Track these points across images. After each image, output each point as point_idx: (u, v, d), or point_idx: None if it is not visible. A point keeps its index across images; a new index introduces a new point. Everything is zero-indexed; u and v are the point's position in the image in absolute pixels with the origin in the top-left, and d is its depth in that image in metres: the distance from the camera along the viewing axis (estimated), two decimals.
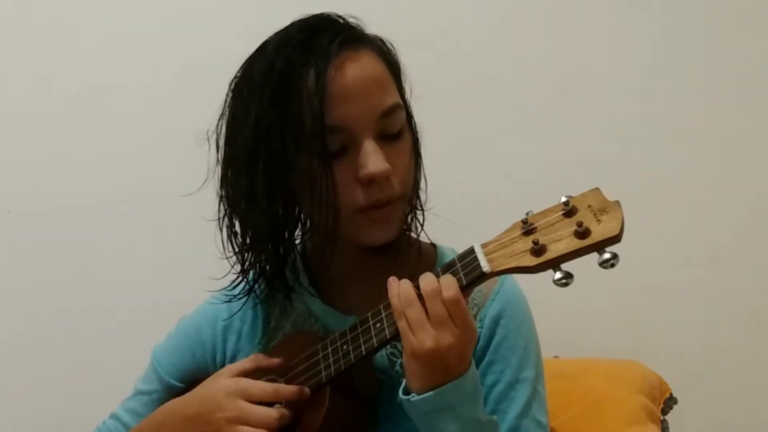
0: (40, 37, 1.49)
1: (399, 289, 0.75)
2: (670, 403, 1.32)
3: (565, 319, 1.40)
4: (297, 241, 0.93)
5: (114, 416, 0.99)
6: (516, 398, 0.86)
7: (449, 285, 0.73)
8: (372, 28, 0.87)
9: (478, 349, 0.88)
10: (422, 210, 0.92)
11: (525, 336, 0.90)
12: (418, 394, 0.74)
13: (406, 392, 0.76)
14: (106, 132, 1.50)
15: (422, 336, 0.72)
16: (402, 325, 0.73)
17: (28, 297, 1.48)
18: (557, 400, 1.01)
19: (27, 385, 1.47)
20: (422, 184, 0.91)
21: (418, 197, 0.91)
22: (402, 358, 0.87)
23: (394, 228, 0.85)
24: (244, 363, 0.85)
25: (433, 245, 0.97)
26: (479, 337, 0.88)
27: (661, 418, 1.30)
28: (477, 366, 0.86)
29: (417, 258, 0.92)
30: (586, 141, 1.53)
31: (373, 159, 0.79)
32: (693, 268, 1.51)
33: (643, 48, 1.54)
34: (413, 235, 0.93)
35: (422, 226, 0.93)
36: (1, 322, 1.47)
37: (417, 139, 0.89)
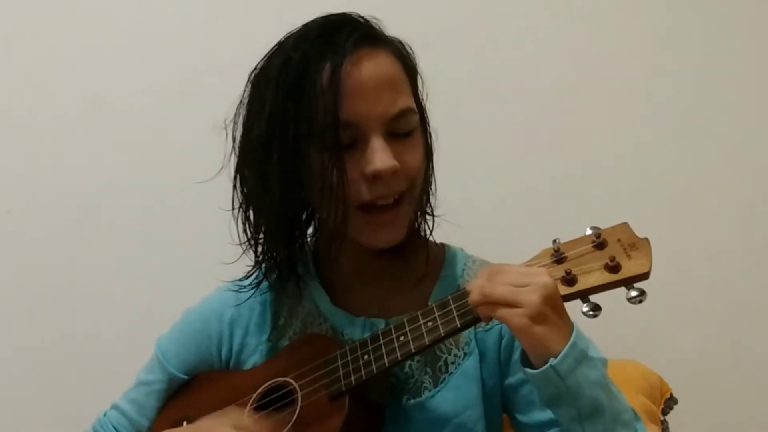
0: (42, 35, 1.49)
1: (476, 293, 0.73)
2: (670, 403, 1.32)
3: None
4: (311, 237, 0.93)
5: (115, 406, 0.99)
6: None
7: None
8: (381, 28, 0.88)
9: (503, 348, 0.89)
10: (432, 214, 0.92)
11: None
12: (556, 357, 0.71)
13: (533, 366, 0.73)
14: (107, 130, 1.50)
15: (523, 297, 0.70)
16: (502, 312, 0.71)
17: (27, 297, 1.48)
18: None
19: (28, 384, 1.47)
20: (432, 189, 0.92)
21: (428, 200, 0.91)
22: (416, 358, 0.86)
23: (399, 231, 0.85)
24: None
25: (443, 245, 0.97)
26: (503, 334, 0.89)
27: (662, 418, 1.30)
28: (511, 361, 0.88)
29: (426, 259, 0.92)
30: (587, 141, 1.53)
31: (380, 156, 0.79)
32: (693, 268, 1.51)
33: (644, 48, 1.54)
34: (423, 236, 0.94)
35: (431, 230, 0.93)
36: (2, 321, 1.47)
37: (429, 141, 0.90)
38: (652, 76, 1.53)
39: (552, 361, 0.70)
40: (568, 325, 0.72)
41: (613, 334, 1.47)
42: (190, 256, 1.45)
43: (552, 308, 0.70)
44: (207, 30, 1.50)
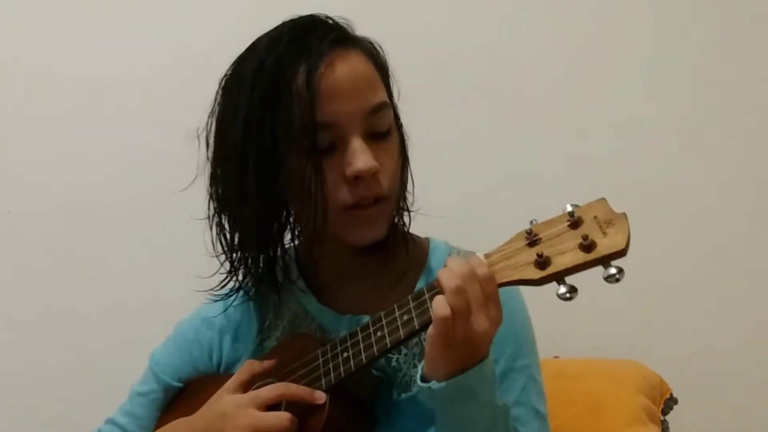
0: (38, 38, 1.50)
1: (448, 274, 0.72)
2: (670, 403, 1.32)
3: (565, 319, 1.40)
4: (290, 243, 0.93)
5: (110, 421, 0.99)
6: (511, 388, 0.86)
7: (480, 263, 0.71)
8: (372, 28, 0.88)
9: None
10: (408, 210, 0.92)
11: (518, 324, 0.89)
12: (439, 381, 0.73)
13: (424, 379, 0.75)
14: (104, 131, 1.50)
15: (474, 317, 0.70)
16: (439, 303, 0.70)
17: (27, 297, 1.48)
18: (557, 400, 1.01)
19: (26, 384, 1.47)
20: (410, 186, 0.92)
21: (405, 198, 0.91)
22: (402, 351, 0.86)
23: (380, 228, 0.85)
24: (240, 375, 0.84)
25: (427, 239, 0.97)
26: None
27: (662, 418, 1.30)
28: None
29: (409, 254, 0.92)
30: (586, 141, 1.53)
31: (361, 157, 0.79)
32: (693, 268, 1.51)
33: (643, 48, 1.54)
34: (403, 230, 0.94)
35: (408, 227, 0.93)
36: (1, 321, 1.47)
37: (404, 140, 0.90)
38: (653, 75, 1.53)
39: (433, 384, 0.72)
40: (473, 359, 0.72)
41: (613, 334, 1.48)
42: (184, 260, 1.45)
43: (453, 350, 0.70)
44: (185, 36, 1.51)
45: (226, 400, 0.82)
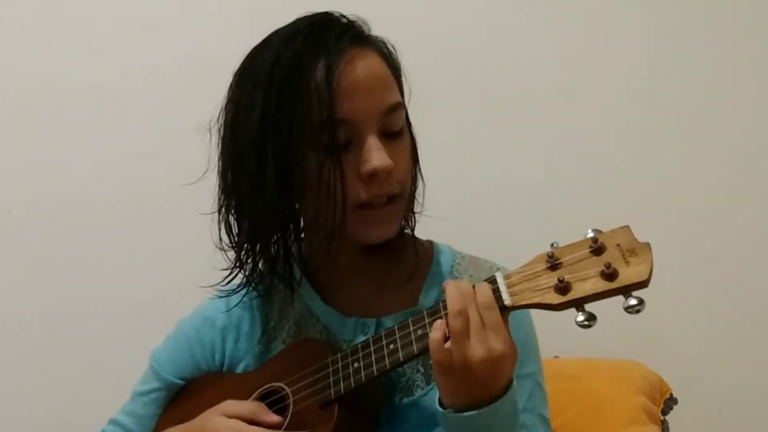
0: (39, 36, 1.50)
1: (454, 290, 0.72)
2: (670, 403, 1.32)
3: (565, 319, 1.39)
4: (292, 242, 0.93)
5: (113, 421, 0.99)
6: (517, 394, 0.85)
7: (484, 292, 0.71)
8: (372, 27, 0.88)
9: None
10: (413, 213, 0.93)
11: (524, 331, 0.89)
12: (456, 411, 0.72)
13: (442, 404, 0.75)
14: (105, 130, 1.50)
15: (470, 341, 0.69)
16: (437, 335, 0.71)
17: (27, 297, 1.48)
18: (557, 400, 1.01)
19: (26, 384, 1.47)
20: (419, 186, 0.92)
21: (415, 198, 0.92)
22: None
23: (392, 227, 0.85)
24: (240, 409, 0.82)
25: (430, 242, 0.97)
26: None
27: (662, 418, 1.30)
28: None
29: (414, 256, 0.93)
30: (586, 141, 1.53)
31: (377, 154, 0.79)
32: (693, 268, 1.51)
33: (643, 48, 1.54)
34: (409, 233, 0.94)
35: (413, 228, 0.93)
36: (1, 321, 1.47)
37: (414, 141, 0.90)
38: (654, 75, 1.53)
39: (448, 413, 0.72)
40: (485, 391, 0.71)
41: (613, 334, 1.47)
42: (188, 256, 1.45)
43: (452, 377, 0.70)
44: (193, 33, 1.51)
45: (216, 424, 0.80)
